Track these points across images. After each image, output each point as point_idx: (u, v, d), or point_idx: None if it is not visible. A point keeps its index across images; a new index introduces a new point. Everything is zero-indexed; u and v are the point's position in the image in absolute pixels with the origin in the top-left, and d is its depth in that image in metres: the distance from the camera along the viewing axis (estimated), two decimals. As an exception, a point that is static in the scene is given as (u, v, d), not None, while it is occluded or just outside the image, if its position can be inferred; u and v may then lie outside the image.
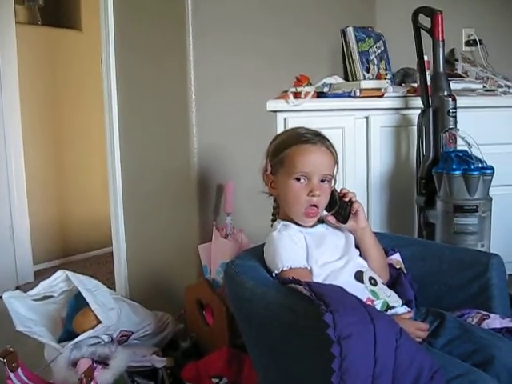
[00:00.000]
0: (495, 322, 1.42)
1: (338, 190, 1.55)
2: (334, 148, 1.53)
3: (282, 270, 1.41)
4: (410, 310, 1.47)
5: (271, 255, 1.47)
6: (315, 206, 1.48)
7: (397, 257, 1.65)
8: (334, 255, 1.49)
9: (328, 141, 1.52)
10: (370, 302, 1.38)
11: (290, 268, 1.41)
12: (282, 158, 1.50)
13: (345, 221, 1.52)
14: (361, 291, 1.38)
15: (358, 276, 1.46)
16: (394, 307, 1.43)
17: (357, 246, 1.58)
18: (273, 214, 1.62)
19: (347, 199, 1.52)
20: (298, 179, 1.47)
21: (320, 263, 1.45)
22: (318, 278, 1.43)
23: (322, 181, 1.48)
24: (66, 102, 3.80)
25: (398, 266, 1.62)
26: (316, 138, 1.49)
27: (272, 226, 1.59)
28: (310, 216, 1.48)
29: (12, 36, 3.25)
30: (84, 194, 3.93)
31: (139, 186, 2.56)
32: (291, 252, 1.45)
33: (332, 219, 1.54)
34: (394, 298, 1.46)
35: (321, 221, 1.56)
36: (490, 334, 1.34)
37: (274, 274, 1.43)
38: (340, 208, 1.52)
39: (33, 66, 3.57)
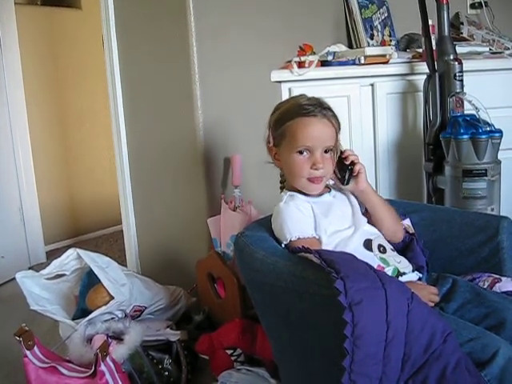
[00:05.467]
0: (507, 285, 1.42)
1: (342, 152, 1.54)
2: (335, 117, 1.50)
3: (291, 241, 1.42)
4: (420, 275, 1.47)
5: (279, 226, 1.47)
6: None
7: (407, 222, 1.65)
8: (343, 224, 1.49)
9: (330, 110, 1.49)
10: (380, 269, 1.38)
11: (298, 238, 1.41)
12: (283, 130, 1.49)
13: (346, 183, 1.52)
14: (370, 259, 1.38)
15: (367, 244, 1.46)
16: (404, 273, 1.43)
17: (364, 214, 1.58)
18: (281, 182, 1.62)
19: (348, 162, 1.51)
20: (301, 152, 1.46)
21: (329, 232, 1.45)
22: (328, 246, 1.43)
23: (325, 151, 1.47)
24: (70, 81, 3.79)
25: (409, 231, 1.62)
26: (317, 109, 1.47)
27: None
28: (314, 182, 1.48)
29: (12, 17, 3.24)
30: (92, 173, 3.94)
31: (146, 162, 2.56)
32: (298, 222, 1.45)
33: (333, 180, 1.54)
34: (404, 264, 1.46)
35: (328, 190, 1.56)
36: (501, 298, 1.34)
37: (282, 245, 1.44)
38: (341, 170, 1.52)
39: (34, 46, 3.55)
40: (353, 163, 1.51)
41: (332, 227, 1.46)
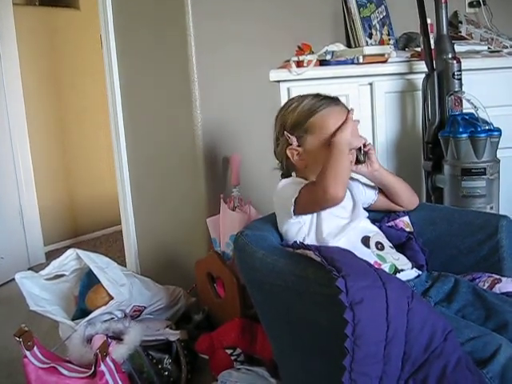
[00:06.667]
0: (507, 285, 1.41)
1: None
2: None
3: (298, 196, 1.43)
4: (419, 273, 1.47)
5: (284, 195, 1.48)
6: None
7: (406, 220, 1.65)
8: (342, 213, 1.51)
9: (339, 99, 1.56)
10: (377, 266, 1.38)
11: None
12: (308, 126, 1.49)
13: (362, 159, 1.55)
14: (367, 255, 1.39)
15: (365, 241, 1.47)
16: (403, 270, 1.44)
17: (365, 209, 1.60)
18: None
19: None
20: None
21: (330, 215, 1.46)
22: (327, 227, 1.44)
23: None
24: (68, 81, 3.79)
25: (407, 229, 1.62)
26: (334, 101, 1.52)
27: None
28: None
29: (10, 17, 3.24)
30: (91, 174, 3.94)
31: (145, 163, 2.56)
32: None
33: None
34: (402, 261, 1.47)
35: None
36: (502, 300, 1.34)
37: (292, 207, 1.43)
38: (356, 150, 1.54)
39: (32, 47, 3.55)
40: (364, 143, 1.54)
41: (333, 212, 1.47)
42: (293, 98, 1.59)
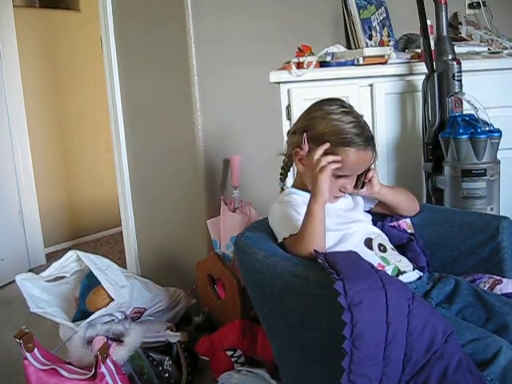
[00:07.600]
0: (508, 286, 1.42)
1: None
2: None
3: (284, 239, 1.42)
4: (421, 274, 1.47)
5: (275, 225, 1.48)
6: None
7: (408, 221, 1.65)
8: (344, 219, 1.50)
9: (373, 139, 1.49)
10: (380, 268, 1.38)
11: (291, 235, 1.41)
12: (329, 151, 1.43)
13: (361, 187, 1.54)
14: (370, 257, 1.39)
15: (368, 243, 1.47)
16: (405, 272, 1.44)
17: (368, 211, 1.61)
18: (281, 174, 1.64)
19: None
20: (339, 177, 1.46)
21: (331, 227, 1.45)
22: (330, 240, 1.43)
23: None
24: (68, 83, 3.79)
25: (409, 230, 1.62)
26: (370, 142, 1.46)
27: (279, 183, 1.63)
28: (337, 198, 1.51)
29: (10, 19, 3.24)
30: (91, 175, 3.94)
31: (145, 164, 2.56)
32: (294, 220, 1.44)
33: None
34: (404, 263, 1.47)
35: None
36: (502, 302, 1.34)
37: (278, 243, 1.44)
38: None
39: (33, 48, 3.55)
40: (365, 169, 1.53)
41: (333, 222, 1.46)
42: (335, 103, 1.49)
